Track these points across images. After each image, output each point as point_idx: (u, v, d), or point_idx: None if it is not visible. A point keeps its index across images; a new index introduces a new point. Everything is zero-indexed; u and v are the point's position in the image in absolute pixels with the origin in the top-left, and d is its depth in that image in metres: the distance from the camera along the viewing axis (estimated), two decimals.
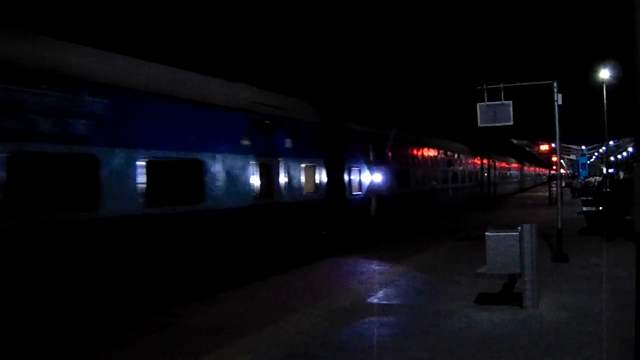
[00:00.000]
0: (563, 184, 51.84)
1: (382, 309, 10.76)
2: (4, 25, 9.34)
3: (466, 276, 13.34)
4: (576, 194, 47.19)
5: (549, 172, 56.74)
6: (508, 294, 10.96)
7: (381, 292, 12.26)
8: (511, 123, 15.88)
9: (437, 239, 21.86)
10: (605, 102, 35.59)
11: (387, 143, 23.79)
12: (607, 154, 64.33)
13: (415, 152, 28.16)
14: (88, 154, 9.75)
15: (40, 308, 9.02)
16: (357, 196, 20.63)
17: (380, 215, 22.29)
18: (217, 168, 12.92)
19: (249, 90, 14.99)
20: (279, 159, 15.62)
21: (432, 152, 31.07)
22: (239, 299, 11.93)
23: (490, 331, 9.02)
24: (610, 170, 55.16)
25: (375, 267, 15.78)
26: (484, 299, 11.11)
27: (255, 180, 14.37)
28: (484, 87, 15.92)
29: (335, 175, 18.93)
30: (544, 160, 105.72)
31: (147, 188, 10.89)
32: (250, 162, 14.23)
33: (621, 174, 44.29)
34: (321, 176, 18.08)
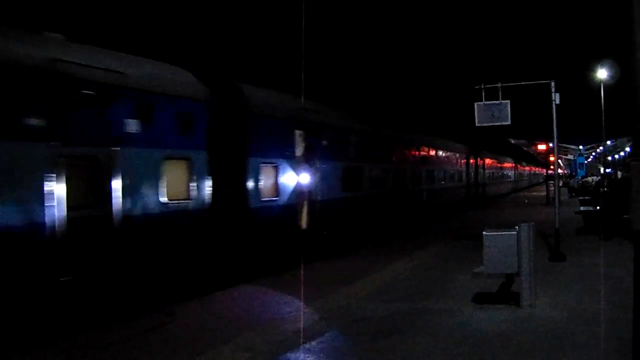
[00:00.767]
0: (560, 184, 49.73)
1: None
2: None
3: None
4: (574, 194, 47.22)
5: (547, 172, 56.80)
6: (505, 293, 10.95)
7: None
8: (509, 122, 15.89)
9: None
10: (602, 101, 35.63)
11: (330, 134, 18.99)
12: (605, 153, 64.32)
13: (373, 146, 23.14)
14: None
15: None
16: (273, 203, 15.56)
17: (315, 227, 17.53)
18: None
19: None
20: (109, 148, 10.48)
21: (397, 147, 26.34)
22: None
23: (488, 330, 9.02)
24: (608, 170, 55.18)
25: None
26: (482, 299, 11.11)
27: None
28: (482, 86, 15.93)
29: (228, 175, 13.76)
30: (541, 160, 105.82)
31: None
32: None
33: (619, 174, 44.09)
34: (198, 174, 12.56)
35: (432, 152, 31.83)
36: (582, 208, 23.83)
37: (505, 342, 8.34)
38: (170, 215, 11.78)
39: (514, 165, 73.56)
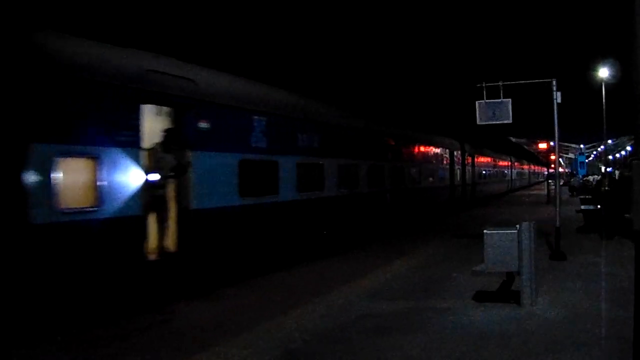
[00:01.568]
0: (561, 183, 48.64)
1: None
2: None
3: None
4: (574, 193, 47.16)
5: (547, 171, 56.69)
6: (506, 291, 10.95)
7: None
8: (510, 121, 15.87)
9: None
10: (604, 100, 35.59)
11: (216, 114, 13.07)
12: (606, 152, 64.25)
13: (296, 133, 16.47)
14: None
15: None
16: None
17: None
18: None
19: None
20: None
21: (346, 137, 19.90)
22: None
23: (488, 329, 9.02)
24: (609, 169, 55.15)
25: None
26: (482, 297, 11.11)
27: None
28: (483, 84, 15.92)
29: None
30: (541, 159, 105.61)
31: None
32: None
33: (616, 173, 43.89)
34: None
35: (401, 146, 25.81)
36: (583, 207, 23.81)
37: (506, 341, 8.34)
38: None
39: (510, 163, 67.94)
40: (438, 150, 32.13)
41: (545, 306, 10.27)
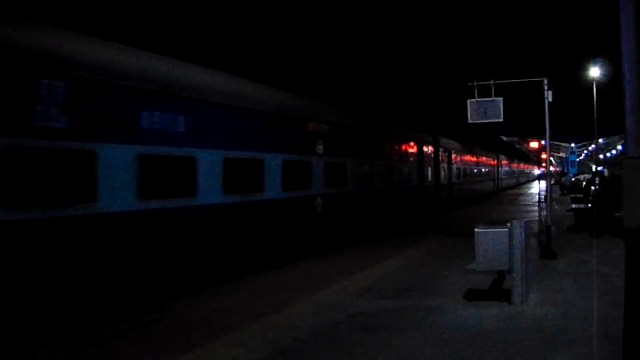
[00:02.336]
0: (552, 182, 47.95)
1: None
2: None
3: None
4: (565, 192, 47.35)
5: (539, 169, 56.75)
6: (497, 290, 10.99)
7: None
8: (501, 120, 15.90)
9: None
10: (595, 99, 35.75)
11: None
12: (597, 151, 64.70)
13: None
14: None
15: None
16: None
17: None
18: None
19: None
20: None
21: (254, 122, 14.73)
22: None
23: (479, 327, 9.04)
24: (600, 168, 55.36)
25: None
26: (473, 295, 11.13)
27: None
28: (475, 83, 15.95)
29: None
30: (532, 157, 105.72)
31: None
32: None
33: (605, 171, 43.86)
34: None
35: (339, 139, 19.77)
36: (573, 206, 23.93)
37: (497, 339, 8.36)
38: None
39: (497, 161, 62.55)
40: (398, 145, 26.23)
41: (536, 304, 10.30)
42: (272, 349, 8.18)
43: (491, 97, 15.87)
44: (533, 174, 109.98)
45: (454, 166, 37.42)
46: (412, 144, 28.20)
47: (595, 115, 36.56)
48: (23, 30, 9.32)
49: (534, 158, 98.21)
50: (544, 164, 44.34)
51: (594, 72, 34.93)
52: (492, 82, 15.94)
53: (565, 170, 72.43)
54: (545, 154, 20.05)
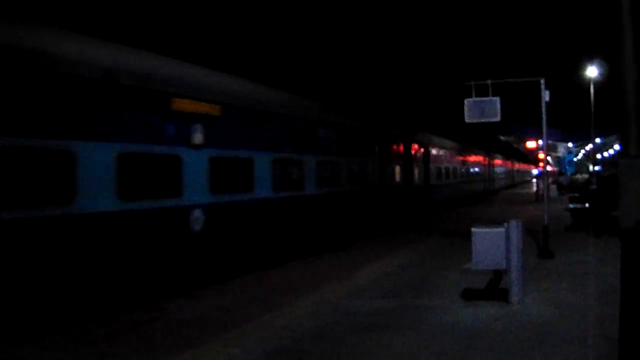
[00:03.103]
0: (550, 181, 46.67)
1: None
2: None
3: None
4: (563, 191, 47.42)
5: (538, 169, 56.64)
6: (494, 289, 10.99)
7: None
8: (499, 119, 15.91)
9: None
10: (592, 99, 35.79)
11: None
12: (594, 151, 64.77)
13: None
14: None
15: None
16: None
17: None
18: None
19: None
20: None
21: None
22: None
23: (476, 326, 9.04)
24: (597, 168, 55.44)
25: None
26: (470, 295, 11.14)
27: None
28: (472, 83, 15.94)
29: None
30: (530, 156, 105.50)
31: None
32: None
33: (596, 168, 43.38)
34: None
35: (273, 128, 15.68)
36: (571, 205, 23.94)
37: (494, 338, 8.36)
38: None
39: (489, 159, 56.74)
40: (340, 138, 20.04)
41: (532, 304, 10.31)
42: (269, 349, 8.18)
43: (488, 96, 15.87)
44: (531, 173, 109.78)
45: (434, 165, 32.49)
46: (372, 138, 22.87)
47: (592, 114, 36.58)
48: None
49: (531, 157, 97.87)
50: (541, 164, 44.12)
51: (591, 71, 34.96)
52: (489, 81, 15.93)
53: (563, 170, 72.51)
54: (543, 153, 20.05)
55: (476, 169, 48.72)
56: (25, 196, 8.92)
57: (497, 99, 15.83)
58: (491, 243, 10.20)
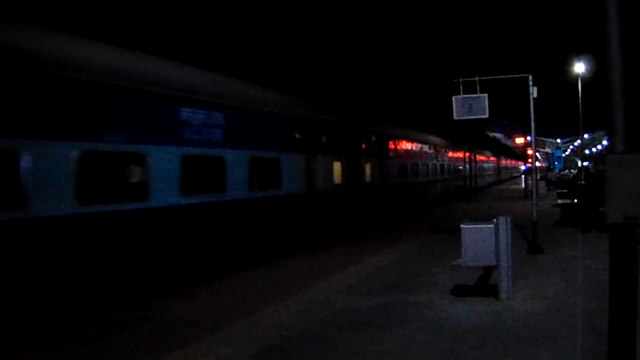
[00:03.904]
0: (538, 177, 45.64)
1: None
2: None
3: None
4: (551, 187, 47.61)
5: (525, 165, 56.54)
6: (484, 285, 11.03)
7: None
8: (486, 116, 15.97)
9: None
10: (580, 95, 35.97)
11: None
12: (582, 147, 65.10)
13: None
14: None
15: None
16: None
17: None
18: None
19: None
20: None
21: None
22: None
23: (466, 323, 9.07)
24: (585, 163, 55.74)
25: None
26: (460, 291, 11.17)
27: None
28: (460, 79, 15.98)
29: None
30: (518, 153, 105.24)
31: None
32: None
33: (585, 164, 43.47)
34: None
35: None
36: (559, 201, 24.06)
37: (484, 334, 8.39)
38: None
39: (470, 154, 51.24)
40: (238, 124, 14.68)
41: (522, 299, 10.35)
42: (260, 347, 8.18)
43: (476, 93, 15.92)
44: (519, 169, 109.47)
45: (396, 162, 27.85)
46: (283, 126, 17.07)
47: (580, 110, 36.78)
48: None
49: (520, 154, 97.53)
50: (529, 160, 44.02)
51: (579, 68, 35.16)
52: (477, 78, 15.98)
53: (552, 166, 72.79)
54: (531, 149, 20.13)
55: (454, 165, 43.97)
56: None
57: (485, 95, 15.89)
58: (481, 239, 10.23)
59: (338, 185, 20.61)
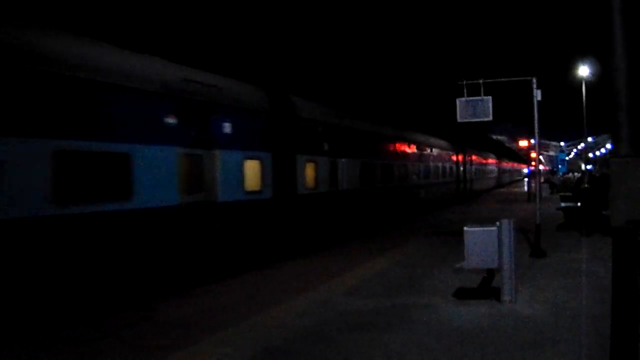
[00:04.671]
0: (542, 180, 44.33)
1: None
2: None
3: None
4: (555, 190, 47.59)
5: (528, 168, 56.31)
6: (486, 288, 11.00)
7: None
8: (490, 119, 15.95)
9: None
10: (584, 98, 35.92)
11: None
12: (586, 150, 65.03)
13: None
14: None
15: None
16: None
17: None
18: None
19: None
20: None
21: None
22: None
23: (469, 325, 9.05)
24: (589, 167, 55.63)
25: None
26: (462, 294, 11.15)
27: None
28: (464, 82, 15.97)
29: None
30: (522, 156, 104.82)
31: None
32: None
33: (588, 167, 43.21)
34: None
35: None
36: (563, 204, 24.01)
37: (486, 338, 8.36)
38: None
39: (463, 156, 45.78)
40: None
41: (525, 303, 10.32)
42: (261, 349, 8.16)
43: (480, 96, 15.90)
44: (521, 173, 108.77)
45: (356, 162, 22.28)
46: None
47: (584, 113, 36.71)
48: None
49: (523, 157, 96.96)
50: (533, 163, 43.57)
51: (583, 71, 35.10)
52: (481, 81, 15.96)
53: (555, 169, 72.80)
54: (535, 152, 20.11)
55: (442, 167, 37.88)
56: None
57: (489, 98, 15.87)
58: (483, 242, 10.21)
59: (252, 193, 15.25)
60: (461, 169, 44.63)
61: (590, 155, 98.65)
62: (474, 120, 15.98)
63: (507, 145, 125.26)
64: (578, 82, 35.96)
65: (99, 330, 9.40)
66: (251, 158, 15.21)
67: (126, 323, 9.80)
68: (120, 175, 10.99)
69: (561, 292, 11.21)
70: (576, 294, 10.90)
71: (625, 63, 5.92)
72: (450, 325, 9.13)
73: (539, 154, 19.02)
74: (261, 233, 15.74)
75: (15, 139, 9.07)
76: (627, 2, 5.92)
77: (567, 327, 8.75)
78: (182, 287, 12.14)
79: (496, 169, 74.13)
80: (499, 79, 16.45)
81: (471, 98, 15.90)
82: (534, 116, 16.16)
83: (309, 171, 18.57)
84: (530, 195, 41.36)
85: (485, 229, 10.30)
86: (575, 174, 56.50)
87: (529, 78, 15.99)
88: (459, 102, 15.97)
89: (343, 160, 21.04)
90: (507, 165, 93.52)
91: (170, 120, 12.38)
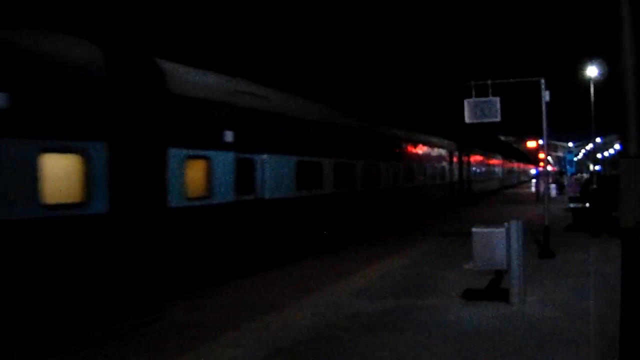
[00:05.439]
0: (550, 181, 40.33)
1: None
2: None
3: None
4: (563, 191, 47.45)
5: (536, 169, 56.07)
6: (494, 289, 10.97)
7: None
8: (498, 119, 15.93)
9: None
10: (592, 99, 35.83)
11: None
12: (595, 151, 64.75)
13: None
14: None
15: None
16: None
17: None
18: None
19: None
20: None
21: None
22: None
23: (477, 327, 9.03)
24: (597, 168, 55.43)
25: None
26: (471, 295, 11.13)
27: None
28: (472, 83, 15.95)
29: None
30: (529, 156, 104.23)
31: None
32: None
33: (597, 168, 42.82)
34: None
35: None
36: (571, 205, 23.94)
37: (494, 339, 8.35)
38: None
39: (458, 156, 40.73)
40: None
41: (533, 304, 10.30)
42: (270, 350, 8.17)
43: (488, 97, 15.88)
44: (529, 174, 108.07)
45: (270, 158, 15.57)
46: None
47: (592, 114, 36.62)
48: None
49: (532, 157, 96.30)
50: (541, 164, 43.17)
51: (592, 71, 35.02)
52: (489, 82, 15.94)
53: (563, 170, 72.51)
54: (543, 153, 20.07)
55: (432, 166, 33.60)
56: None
57: (497, 99, 15.85)
58: (492, 243, 10.19)
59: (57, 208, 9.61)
60: (455, 169, 39.69)
61: (599, 155, 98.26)
62: (482, 121, 15.96)
63: (514, 145, 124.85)
64: (586, 82, 35.88)
65: (110, 331, 9.45)
66: (53, 151, 9.63)
67: (135, 325, 9.84)
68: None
69: (570, 293, 11.19)
70: (585, 295, 10.87)
71: (635, 63, 5.91)
72: (459, 326, 9.12)
73: (547, 154, 18.97)
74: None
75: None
76: (635, 2, 5.92)
77: (576, 328, 8.73)
78: (189, 289, 12.17)
79: (501, 169, 69.70)
80: (508, 80, 16.42)
81: (479, 99, 15.89)
82: (542, 117, 16.12)
83: (196, 172, 12.91)
84: (538, 196, 41.27)
85: (494, 230, 10.29)
86: (584, 174, 56.25)
87: (537, 79, 15.96)
88: (467, 103, 15.96)
89: (264, 156, 15.32)
90: (513, 165, 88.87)
91: None
